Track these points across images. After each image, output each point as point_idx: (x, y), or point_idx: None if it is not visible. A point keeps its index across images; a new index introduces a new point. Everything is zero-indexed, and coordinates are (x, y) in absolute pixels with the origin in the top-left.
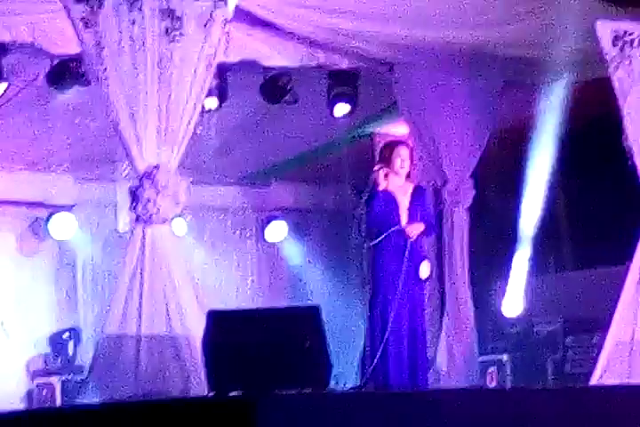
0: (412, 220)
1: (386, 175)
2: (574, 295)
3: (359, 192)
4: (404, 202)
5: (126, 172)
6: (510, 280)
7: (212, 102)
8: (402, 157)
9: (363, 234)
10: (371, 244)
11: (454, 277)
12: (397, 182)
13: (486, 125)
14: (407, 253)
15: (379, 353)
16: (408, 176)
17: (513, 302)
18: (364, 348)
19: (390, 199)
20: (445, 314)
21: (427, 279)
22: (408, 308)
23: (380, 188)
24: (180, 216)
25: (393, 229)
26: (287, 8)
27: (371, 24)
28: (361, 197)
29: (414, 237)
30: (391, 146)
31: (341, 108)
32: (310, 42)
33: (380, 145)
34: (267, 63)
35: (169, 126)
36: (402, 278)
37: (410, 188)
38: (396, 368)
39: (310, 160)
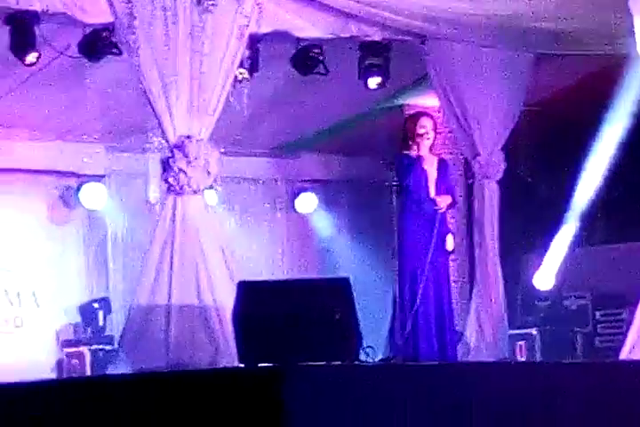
0: (438, 191)
1: (410, 146)
2: (604, 270)
3: (390, 163)
4: (432, 173)
5: (157, 142)
6: (548, 253)
7: (244, 73)
8: (425, 128)
9: (395, 204)
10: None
11: (484, 250)
12: (423, 153)
13: (518, 98)
14: (437, 224)
15: (409, 325)
16: (431, 148)
17: (546, 275)
18: (393, 320)
19: (422, 170)
20: (475, 287)
21: (452, 252)
22: (434, 279)
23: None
24: (210, 187)
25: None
26: None
27: None
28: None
29: (444, 209)
30: (414, 117)
31: (373, 80)
32: (343, 13)
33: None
34: (299, 34)
35: (200, 97)
36: (431, 250)
37: (434, 160)
38: (425, 340)
39: (341, 132)
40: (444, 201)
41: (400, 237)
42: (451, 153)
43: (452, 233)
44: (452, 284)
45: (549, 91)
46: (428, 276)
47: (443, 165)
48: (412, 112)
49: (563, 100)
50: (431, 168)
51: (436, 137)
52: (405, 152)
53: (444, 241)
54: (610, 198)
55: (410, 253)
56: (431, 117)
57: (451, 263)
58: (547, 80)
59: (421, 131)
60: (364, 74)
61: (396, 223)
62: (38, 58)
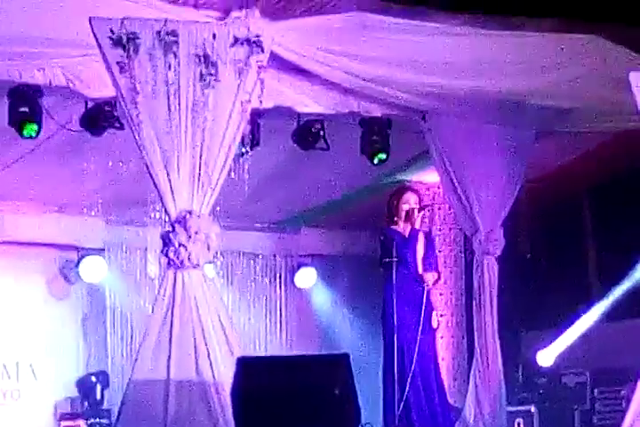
0: (425, 267)
1: (396, 222)
2: (602, 347)
3: (389, 240)
4: (420, 249)
5: (157, 215)
6: (568, 330)
7: (245, 148)
8: (409, 204)
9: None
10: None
11: (483, 327)
12: (408, 229)
13: (518, 175)
14: (425, 300)
15: (402, 403)
16: (420, 223)
17: (551, 352)
18: (385, 397)
19: (409, 245)
20: (474, 363)
21: (436, 328)
22: (421, 356)
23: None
24: (210, 261)
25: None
26: (320, 54)
27: (405, 72)
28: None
29: (431, 285)
30: (398, 193)
31: (375, 156)
32: (344, 89)
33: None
34: (300, 109)
35: (202, 172)
36: (420, 327)
37: (421, 234)
38: (418, 416)
39: (341, 207)
40: (430, 277)
41: (386, 315)
42: (450, 229)
43: (435, 310)
44: (452, 360)
45: (549, 166)
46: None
47: (429, 239)
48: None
49: (562, 176)
50: (418, 243)
51: (422, 212)
52: (392, 227)
53: (430, 318)
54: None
55: (397, 330)
56: (416, 193)
57: (442, 340)
58: (547, 155)
59: (405, 207)
60: (366, 149)
61: (383, 300)
62: (38, 131)
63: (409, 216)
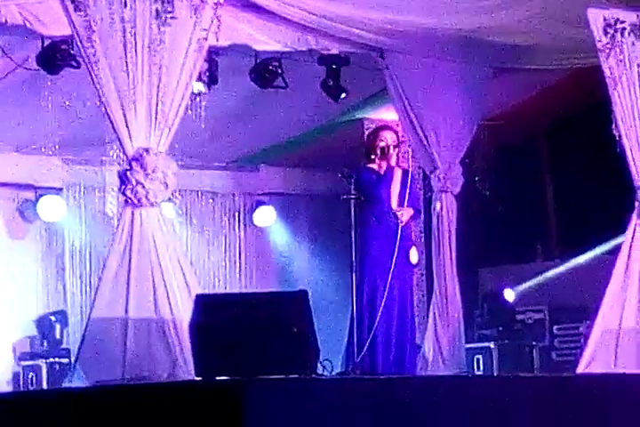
0: (402, 203)
1: (373, 160)
2: (561, 283)
3: (348, 177)
4: (395, 186)
5: (115, 155)
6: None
7: (202, 86)
8: (385, 141)
9: (353, 217)
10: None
11: (442, 263)
12: (384, 166)
13: (476, 112)
14: (399, 237)
15: (368, 340)
16: (396, 160)
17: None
18: (350, 333)
19: (384, 183)
20: (433, 300)
21: (416, 265)
22: (398, 294)
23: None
24: (168, 200)
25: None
26: None
27: (362, 9)
28: (351, 180)
29: (404, 222)
30: (375, 131)
31: (333, 93)
32: (301, 26)
33: (367, 131)
34: (257, 47)
35: (158, 110)
36: (394, 263)
37: (398, 172)
38: (383, 354)
39: (300, 145)
40: (405, 213)
41: (361, 251)
42: (409, 166)
43: (416, 246)
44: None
45: (508, 104)
46: (392, 289)
47: (406, 177)
48: (374, 126)
49: (520, 114)
50: (394, 181)
51: (397, 149)
52: (368, 165)
53: (407, 254)
54: (566, 212)
55: (371, 267)
56: (393, 131)
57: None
58: (505, 93)
59: (381, 144)
60: (329, 87)
61: (357, 237)
62: None
63: (385, 153)
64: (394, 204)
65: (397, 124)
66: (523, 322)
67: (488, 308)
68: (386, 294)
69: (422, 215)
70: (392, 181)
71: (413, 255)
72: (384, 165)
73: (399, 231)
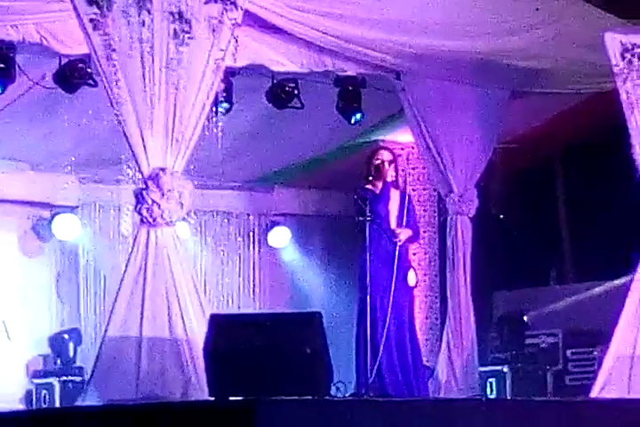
0: (399, 224)
1: (370, 181)
2: (576, 308)
3: (363, 198)
4: (393, 207)
5: (132, 174)
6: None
7: (219, 106)
8: (380, 160)
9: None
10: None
11: (456, 286)
12: (380, 185)
13: (492, 135)
14: (396, 258)
15: (377, 362)
16: (395, 182)
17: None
18: (357, 355)
19: (382, 203)
20: (447, 323)
21: (414, 287)
22: (396, 315)
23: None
24: (183, 219)
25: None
26: (296, 13)
27: (379, 31)
28: (366, 201)
29: (403, 241)
30: (371, 153)
31: (349, 115)
32: (318, 47)
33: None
34: (274, 68)
35: (176, 129)
36: (392, 285)
37: (395, 192)
38: (390, 376)
39: (315, 166)
40: (403, 233)
41: (360, 273)
42: (424, 189)
43: (413, 268)
44: (425, 320)
45: (523, 128)
46: (390, 311)
47: (405, 199)
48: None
49: (536, 138)
50: (391, 200)
51: (397, 170)
52: (366, 186)
53: (405, 276)
54: (581, 236)
55: (372, 287)
56: (389, 151)
57: (416, 299)
58: (521, 117)
59: (376, 162)
60: (343, 109)
61: (358, 258)
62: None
63: (380, 170)
64: (393, 223)
65: (413, 147)
66: (536, 346)
67: (502, 331)
68: (385, 315)
69: (437, 238)
70: (389, 200)
71: (411, 278)
72: (379, 184)
73: (396, 252)
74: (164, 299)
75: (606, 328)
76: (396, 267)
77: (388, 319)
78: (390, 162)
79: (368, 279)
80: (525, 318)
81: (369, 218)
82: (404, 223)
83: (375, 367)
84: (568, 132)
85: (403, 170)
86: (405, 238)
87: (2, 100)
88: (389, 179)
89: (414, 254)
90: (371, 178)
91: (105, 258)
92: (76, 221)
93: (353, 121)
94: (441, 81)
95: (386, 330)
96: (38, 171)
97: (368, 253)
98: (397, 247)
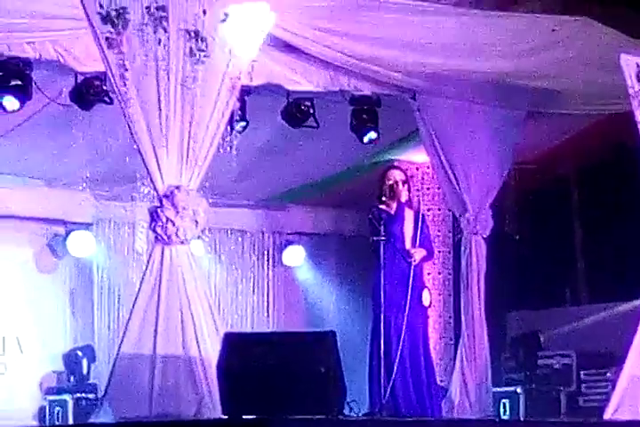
0: (414, 245)
1: (383, 201)
2: (589, 329)
3: (378, 218)
4: (408, 227)
5: (146, 191)
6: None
7: (235, 125)
8: (392, 180)
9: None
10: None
11: (470, 306)
12: (394, 206)
13: (508, 155)
14: (411, 278)
15: (390, 382)
16: (409, 202)
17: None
18: (371, 374)
19: (396, 223)
20: (460, 343)
21: (428, 307)
22: (409, 335)
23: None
24: (198, 237)
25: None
26: (312, 32)
27: (395, 51)
28: (380, 221)
29: (417, 261)
30: (382, 173)
31: (364, 134)
32: (334, 67)
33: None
34: (290, 87)
35: (190, 148)
36: (407, 304)
37: (411, 213)
38: (404, 396)
39: (330, 185)
40: (418, 253)
41: (374, 292)
42: (439, 209)
43: (428, 288)
44: (439, 340)
45: (538, 148)
46: (404, 330)
47: (419, 219)
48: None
49: (551, 158)
50: (406, 218)
51: (410, 190)
52: (380, 206)
53: (419, 296)
54: (595, 257)
55: (386, 307)
56: (399, 169)
57: (430, 319)
58: (536, 137)
59: (389, 182)
60: (356, 128)
61: (374, 277)
62: (21, 105)
63: (394, 190)
64: (407, 243)
65: (428, 167)
66: (550, 367)
67: (515, 352)
68: (398, 335)
69: (451, 258)
70: (404, 220)
71: (426, 298)
72: (394, 204)
73: (411, 272)
74: (178, 317)
75: (620, 350)
76: (410, 287)
77: (401, 339)
78: (404, 182)
79: (382, 299)
80: (541, 338)
81: (383, 238)
82: (418, 243)
83: (389, 387)
84: (583, 153)
85: (418, 189)
86: (420, 258)
87: (18, 116)
88: (403, 199)
89: (428, 274)
90: (384, 198)
91: (119, 275)
92: (91, 237)
93: (366, 140)
94: (456, 101)
95: (400, 349)
96: (53, 187)
97: (382, 273)
98: (412, 267)
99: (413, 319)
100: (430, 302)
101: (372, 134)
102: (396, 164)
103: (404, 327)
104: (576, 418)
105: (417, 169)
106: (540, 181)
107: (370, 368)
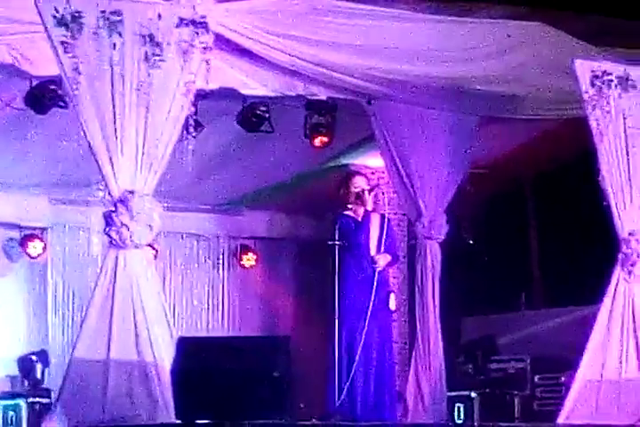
0: (379, 249)
1: (349, 208)
2: (544, 334)
3: (333, 222)
4: (374, 232)
5: (101, 195)
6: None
7: (189, 129)
8: (360, 187)
9: (337, 263)
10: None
11: (424, 311)
12: (361, 212)
13: (462, 161)
14: (376, 283)
15: (346, 386)
16: (372, 205)
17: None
18: (329, 379)
19: (362, 229)
20: (415, 348)
21: (395, 311)
22: (377, 340)
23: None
24: (153, 242)
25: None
26: (266, 37)
27: (349, 56)
28: (335, 226)
29: (382, 267)
30: (347, 178)
31: (318, 139)
32: (290, 71)
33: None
34: (245, 91)
35: (145, 152)
36: (371, 309)
37: (376, 217)
38: (362, 400)
39: (285, 190)
40: (382, 259)
41: (339, 297)
42: (394, 213)
43: (394, 292)
44: (394, 344)
45: (494, 153)
46: (371, 335)
47: (385, 223)
48: (344, 174)
49: (507, 163)
50: (372, 226)
51: (376, 195)
52: (346, 213)
53: (385, 300)
54: (551, 262)
55: (349, 313)
56: (363, 175)
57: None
58: (492, 142)
59: (355, 190)
60: (310, 132)
61: (337, 283)
62: None
63: (360, 198)
64: (372, 250)
65: (383, 172)
66: (504, 371)
67: (470, 356)
68: (363, 339)
69: (405, 262)
70: (370, 227)
71: (392, 302)
72: (361, 211)
73: (376, 277)
74: (132, 321)
75: (573, 355)
76: (375, 291)
77: (362, 342)
78: (370, 190)
79: (338, 303)
80: (496, 342)
81: (338, 242)
82: (384, 248)
83: (346, 390)
84: (539, 158)
85: (383, 193)
86: (384, 264)
87: None
88: (370, 207)
89: (394, 278)
90: (350, 205)
91: (74, 280)
92: (46, 242)
93: (321, 144)
94: (412, 106)
95: (364, 353)
96: (8, 191)
97: (343, 278)
98: (377, 273)
99: (382, 323)
100: (397, 306)
101: (322, 138)
102: (355, 169)
103: (364, 331)
104: (530, 422)
105: (373, 173)
106: (495, 185)
107: (326, 373)
